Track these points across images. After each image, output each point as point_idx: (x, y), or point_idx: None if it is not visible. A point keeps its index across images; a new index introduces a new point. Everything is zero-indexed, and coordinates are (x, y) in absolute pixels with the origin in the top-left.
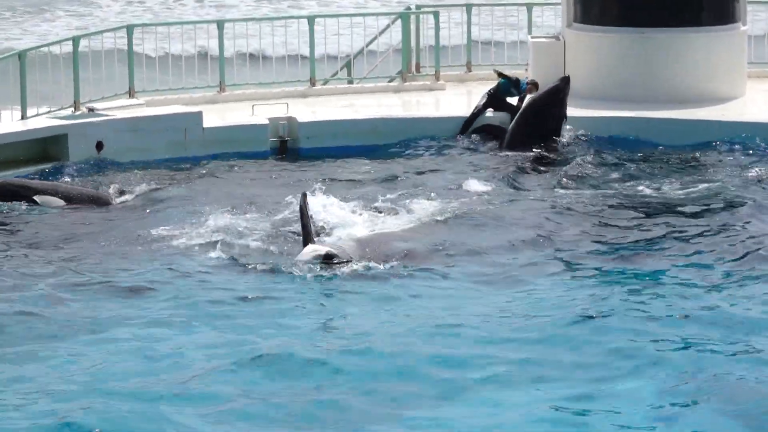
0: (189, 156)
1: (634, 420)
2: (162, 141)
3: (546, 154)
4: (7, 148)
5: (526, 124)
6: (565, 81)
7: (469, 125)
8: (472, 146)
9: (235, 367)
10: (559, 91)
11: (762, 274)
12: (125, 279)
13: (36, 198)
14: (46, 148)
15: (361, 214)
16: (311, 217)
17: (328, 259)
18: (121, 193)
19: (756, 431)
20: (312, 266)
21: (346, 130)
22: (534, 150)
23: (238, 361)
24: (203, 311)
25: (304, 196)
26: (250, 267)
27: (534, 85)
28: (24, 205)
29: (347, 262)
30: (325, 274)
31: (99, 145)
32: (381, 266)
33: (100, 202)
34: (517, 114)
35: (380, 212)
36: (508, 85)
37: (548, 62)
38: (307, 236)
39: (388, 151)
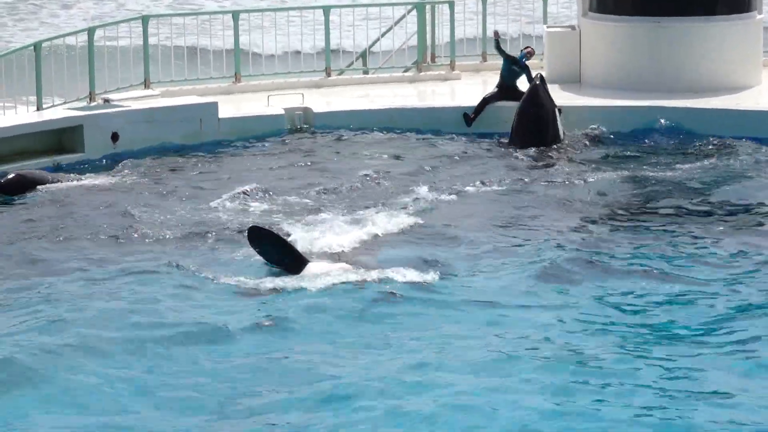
0: (204, 147)
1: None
2: (177, 132)
3: (550, 150)
4: (22, 140)
5: (521, 127)
6: (539, 80)
7: (478, 114)
8: (482, 140)
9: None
10: (537, 94)
11: None
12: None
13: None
14: (61, 140)
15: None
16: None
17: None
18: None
19: None
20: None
21: (361, 120)
22: (538, 146)
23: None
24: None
25: (259, 230)
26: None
27: (531, 51)
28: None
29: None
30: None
31: (114, 136)
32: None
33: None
34: (515, 116)
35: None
36: (508, 65)
37: (563, 52)
38: (299, 257)
39: (402, 141)
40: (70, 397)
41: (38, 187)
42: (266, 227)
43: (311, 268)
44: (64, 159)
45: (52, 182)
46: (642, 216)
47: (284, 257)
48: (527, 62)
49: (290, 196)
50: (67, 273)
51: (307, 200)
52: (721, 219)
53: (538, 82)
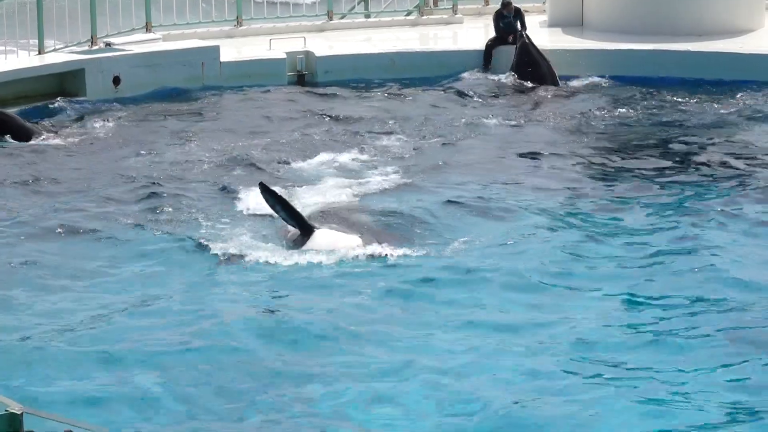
0: (206, 90)
1: None
2: (179, 75)
3: (547, 92)
4: (24, 83)
5: (519, 74)
6: (523, 38)
7: (488, 60)
8: (485, 81)
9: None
10: (526, 52)
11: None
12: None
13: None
14: (63, 83)
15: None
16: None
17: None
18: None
19: None
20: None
21: (363, 64)
22: (537, 89)
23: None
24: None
25: (267, 189)
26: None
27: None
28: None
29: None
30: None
31: (116, 80)
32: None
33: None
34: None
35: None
36: (498, 18)
37: None
38: (306, 224)
39: (403, 85)
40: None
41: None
42: (273, 188)
43: (318, 237)
44: (67, 102)
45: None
46: (638, 160)
47: (290, 222)
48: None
49: (290, 145)
50: (61, 222)
51: (308, 149)
52: (721, 165)
53: (524, 44)
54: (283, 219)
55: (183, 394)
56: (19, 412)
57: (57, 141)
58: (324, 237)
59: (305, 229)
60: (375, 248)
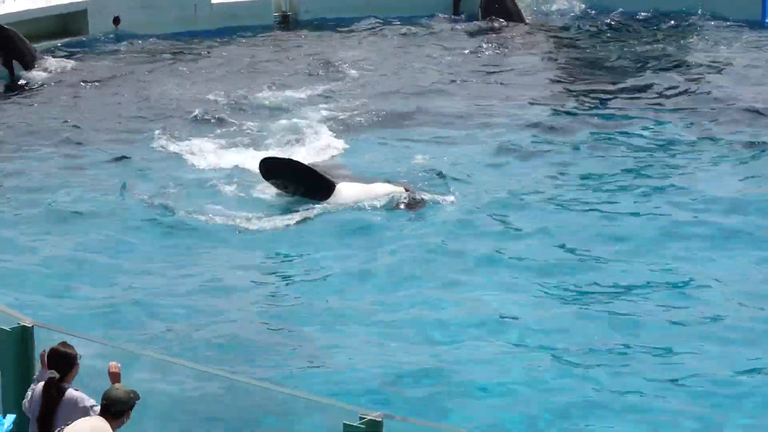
0: (198, 30)
1: None
2: (174, 16)
3: (514, 30)
4: (30, 24)
5: (488, 13)
6: None
7: (458, 3)
8: (457, 20)
9: None
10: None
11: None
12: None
13: None
14: (66, 23)
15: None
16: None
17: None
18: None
19: None
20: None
21: (342, 4)
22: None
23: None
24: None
25: (273, 161)
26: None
27: None
28: None
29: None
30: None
31: (116, 20)
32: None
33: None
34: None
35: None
36: None
37: None
38: (326, 180)
39: (379, 24)
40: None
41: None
42: (280, 157)
43: (342, 189)
44: (70, 41)
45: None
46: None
47: (307, 183)
48: None
49: (272, 85)
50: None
51: (286, 88)
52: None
53: None
54: (294, 192)
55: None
56: (30, 326)
57: (59, 76)
58: (348, 189)
59: (327, 184)
60: (398, 194)
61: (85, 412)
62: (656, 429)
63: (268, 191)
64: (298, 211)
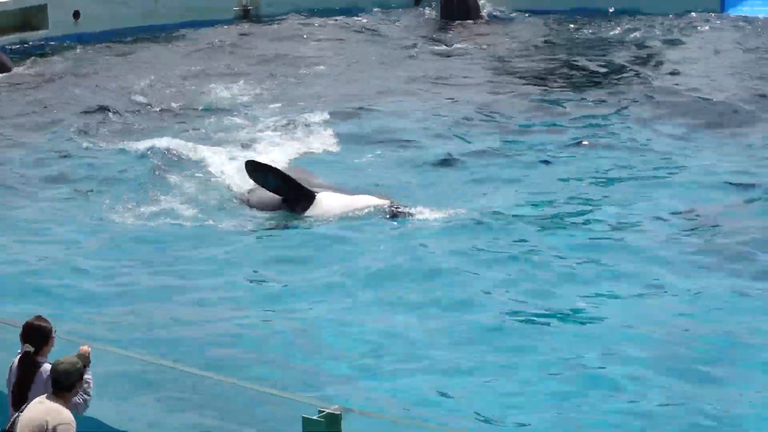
0: (160, 24)
1: None
2: (135, 10)
3: (471, 25)
4: None
5: (447, 9)
6: None
7: None
8: (417, 15)
9: None
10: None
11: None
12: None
13: None
14: (27, 18)
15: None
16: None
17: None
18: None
19: None
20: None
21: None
22: (462, 22)
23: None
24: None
25: (257, 165)
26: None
27: None
28: None
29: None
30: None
31: (76, 14)
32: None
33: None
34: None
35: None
36: None
37: None
38: (302, 188)
39: (341, 17)
40: None
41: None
42: (264, 162)
43: (323, 200)
44: (30, 36)
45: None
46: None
47: (288, 192)
48: None
49: (233, 79)
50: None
51: (257, 90)
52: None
53: None
54: (276, 191)
55: None
56: None
57: (24, 72)
58: (329, 200)
59: (307, 194)
60: (381, 205)
61: None
62: None
63: (227, 203)
64: (274, 221)
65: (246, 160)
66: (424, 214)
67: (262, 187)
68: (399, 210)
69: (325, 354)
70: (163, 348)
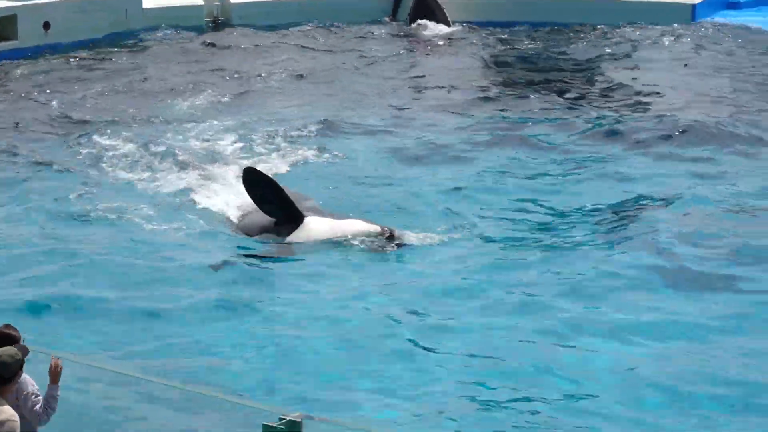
0: (130, 34)
1: None
2: (104, 21)
3: (441, 36)
4: None
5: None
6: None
7: (397, 6)
8: (390, 27)
9: None
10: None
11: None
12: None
13: None
14: None
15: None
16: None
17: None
18: None
19: None
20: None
21: (275, 10)
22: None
23: None
24: None
25: (256, 174)
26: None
27: None
28: None
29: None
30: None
31: (46, 25)
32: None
33: None
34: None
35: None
36: None
37: None
38: (294, 210)
39: (313, 30)
40: None
41: None
42: (264, 172)
43: (310, 223)
44: None
45: None
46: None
47: (279, 208)
48: None
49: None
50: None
51: (226, 100)
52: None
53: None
54: (263, 207)
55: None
56: None
57: None
58: (316, 224)
59: (295, 216)
60: (369, 231)
61: (26, 397)
62: None
63: (201, 218)
64: (258, 244)
65: (246, 167)
66: (411, 239)
67: (253, 199)
68: (388, 236)
69: (289, 362)
70: (128, 357)
